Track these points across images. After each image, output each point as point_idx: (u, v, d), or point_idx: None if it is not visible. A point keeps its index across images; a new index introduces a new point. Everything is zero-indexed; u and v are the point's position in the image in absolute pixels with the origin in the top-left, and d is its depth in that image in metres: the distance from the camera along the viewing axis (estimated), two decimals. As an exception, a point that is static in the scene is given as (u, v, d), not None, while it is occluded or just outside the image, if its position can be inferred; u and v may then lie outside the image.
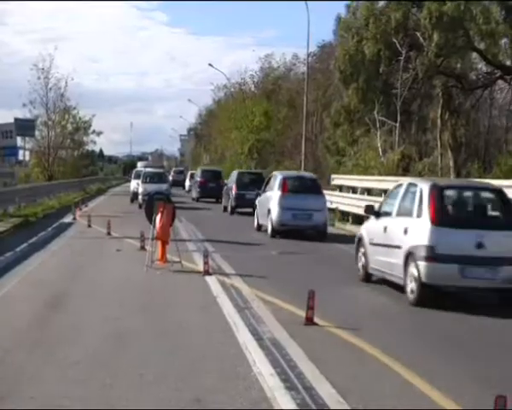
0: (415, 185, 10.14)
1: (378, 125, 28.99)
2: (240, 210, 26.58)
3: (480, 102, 30.51)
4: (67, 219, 22.40)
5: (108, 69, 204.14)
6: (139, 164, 52.40)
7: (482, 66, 29.62)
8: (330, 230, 20.98)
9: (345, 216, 23.85)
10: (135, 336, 7.16)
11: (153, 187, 25.76)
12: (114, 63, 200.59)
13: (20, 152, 32.49)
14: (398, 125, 28.11)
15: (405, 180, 11.35)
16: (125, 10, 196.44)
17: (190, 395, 5.30)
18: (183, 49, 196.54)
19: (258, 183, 23.97)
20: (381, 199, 20.68)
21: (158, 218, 11.92)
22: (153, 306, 8.82)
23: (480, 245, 9.00)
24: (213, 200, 34.20)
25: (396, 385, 5.75)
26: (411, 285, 9.26)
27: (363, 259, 11.15)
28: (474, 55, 28.73)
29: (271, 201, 18.45)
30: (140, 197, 28.76)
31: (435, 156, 28.97)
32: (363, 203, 21.67)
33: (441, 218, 9.25)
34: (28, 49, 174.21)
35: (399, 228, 9.86)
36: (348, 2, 31.68)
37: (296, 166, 37.89)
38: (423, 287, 9.05)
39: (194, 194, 36.98)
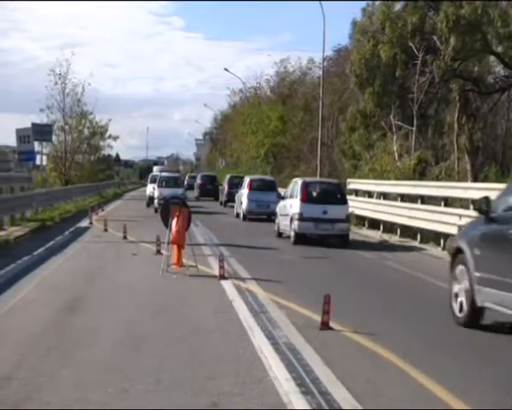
0: (296, 182, 18.90)
1: (394, 130, 28.88)
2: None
3: (498, 105, 30.30)
4: (84, 223, 22.54)
5: (125, 74, 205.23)
6: (155, 168, 52.59)
7: (500, 69, 29.41)
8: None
9: (360, 220, 23.79)
10: (151, 339, 7.18)
11: (168, 191, 25.90)
12: (131, 68, 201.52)
13: (38, 157, 32.61)
14: (414, 129, 27.98)
15: (296, 179, 19.58)
16: (142, 16, 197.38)
17: (207, 399, 5.31)
18: (199, 54, 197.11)
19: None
20: (397, 203, 20.73)
21: (174, 222, 11.96)
22: (169, 310, 8.85)
23: (325, 212, 17.41)
24: (211, 198, 41.25)
25: (412, 390, 5.72)
26: (292, 234, 17.56)
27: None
28: (492, 58, 28.55)
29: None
30: (156, 201, 28.94)
31: (452, 160, 28.78)
32: (380, 208, 21.75)
33: (306, 198, 17.68)
34: (45, 55, 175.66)
35: (289, 205, 18.26)
36: (364, 6, 31.66)
37: (312, 170, 37.83)
38: (296, 234, 17.39)
39: (196, 193, 44.00)
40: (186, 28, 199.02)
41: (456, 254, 8.07)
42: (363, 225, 23.50)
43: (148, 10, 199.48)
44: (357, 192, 25.72)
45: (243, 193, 26.89)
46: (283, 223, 18.72)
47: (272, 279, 11.31)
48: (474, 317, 7.88)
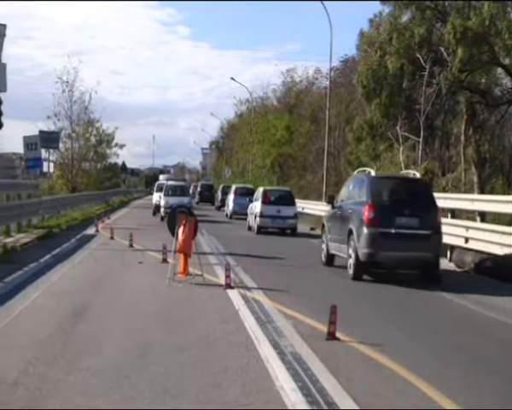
0: (259, 189, 26.27)
1: (401, 141, 28.87)
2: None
3: (505, 117, 30.25)
4: (90, 230, 22.60)
5: (131, 83, 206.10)
6: (161, 177, 52.74)
7: (507, 81, 29.37)
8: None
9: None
10: (157, 348, 7.18)
11: (175, 200, 25.96)
12: (137, 77, 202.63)
13: (45, 164, 32.76)
14: (421, 140, 27.97)
15: (260, 188, 27.30)
16: (149, 24, 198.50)
17: (213, 408, 5.30)
18: (206, 63, 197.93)
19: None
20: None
21: (180, 231, 11.98)
22: (174, 318, 8.85)
23: (278, 211, 23.97)
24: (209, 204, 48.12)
25: (419, 402, 5.69)
26: (255, 227, 24.10)
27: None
28: (499, 70, 28.52)
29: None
30: (162, 210, 29.02)
31: (459, 172, 28.73)
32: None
33: (265, 200, 24.26)
34: (53, 63, 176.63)
35: (254, 206, 25.14)
36: (371, 17, 31.72)
37: (318, 180, 37.85)
38: (258, 228, 23.93)
39: (196, 199, 48.91)
40: (193, 37, 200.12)
41: (322, 226, 15.80)
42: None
43: (156, 19, 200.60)
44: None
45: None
46: (251, 219, 25.66)
47: (278, 289, 11.30)
48: (329, 259, 15.04)
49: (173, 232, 12.22)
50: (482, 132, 29.04)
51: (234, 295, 10.53)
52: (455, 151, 30.75)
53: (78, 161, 44.23)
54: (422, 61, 27.54)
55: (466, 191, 25.31)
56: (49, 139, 32.32)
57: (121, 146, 51.31)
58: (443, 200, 18.55)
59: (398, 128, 28.85)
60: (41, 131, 31.81)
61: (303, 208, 33.03)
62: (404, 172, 18.51)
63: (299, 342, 7.53)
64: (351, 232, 13.07)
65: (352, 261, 12.92)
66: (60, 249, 16.73)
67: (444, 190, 23.85)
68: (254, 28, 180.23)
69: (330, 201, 15.42)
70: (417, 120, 28.11)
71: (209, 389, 5.78)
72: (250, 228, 25.43)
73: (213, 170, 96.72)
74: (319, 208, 29.24)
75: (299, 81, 53.29)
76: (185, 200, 27.78)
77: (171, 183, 34.45)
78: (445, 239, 16.60)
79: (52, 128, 39.52)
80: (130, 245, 17.14)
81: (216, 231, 23.21)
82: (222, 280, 11.54)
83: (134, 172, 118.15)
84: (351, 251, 12.99)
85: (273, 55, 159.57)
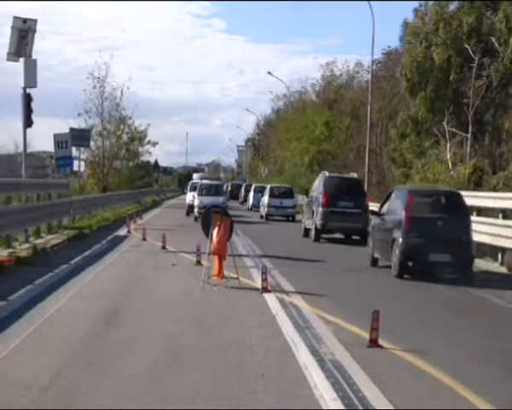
0: (267, 187, 37.10)
1: (448, 137, 28.56)
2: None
3: (561, 111, 29.66)
4: (122, 231, 22.84)
5: (164, 78, 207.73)
6: (195, 176, 53.06)
7: (563, 73, 28.81)
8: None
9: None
10: (190, 352, 7.26)
11: (209, 200, 26.11)
12: (170, 72, 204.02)
13: (75, 163, 33.26)
14: (469, 136, 27.62)
15: (267, 185, 38.24)
16: (182, 17, 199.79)
17: (248, 414, 5.36)
18: (241, 57, 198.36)
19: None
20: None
21: (215, 232, 12.04)
22: (209, 323, 8.91)
23: (281, 203, 33.66)
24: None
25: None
26: (264, 214, 33.89)
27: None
28: (554, 61, 27.98)
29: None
30: (196, 210, 29.19)
31: (510, 170, 28.26)
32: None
33: (272, 195, 34.11)
34: (83, 58, 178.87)
35: (263, 199, 35.45)
36: (416, 6, 31.45)
37: (359, 178, 37.56)
38: (266, 215, 33.42)
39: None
40: (228, 30, 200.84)
41: (303, 210, 21.71)
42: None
43: (189, 12, 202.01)
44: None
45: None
46: (261, 209, 35.14)
47: (317, 293, 11.30)
48: (306, 232, 23.11)
49: (207, 233, 12.29)
50: (536, 127, 28.52)
51: (271, 299, 10.55)
52: (506, 147, 30.22)
53: (110, 160, 44.71)
54: (471, 52, 27.19)
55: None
56: (79, 137, 32.77)
57: (154, 144, 51.69)
58: (492, 200, 18.30)
59: (444, 123, 28.53)
60: (71, 129, 32.23)
61: None
62: (347, 175, 26.50)
63: (339, 349, 7.52)
64: (313, 211, 22.27)
65: (312, 230, 22.30)
66: (91, 251, 16.94)
67: (494, 189, 23.49)
68: (291, 20, 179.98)
69: (306, 192, 28.79)
70: (465, 115, 27.77)
71: (244, 394, 5.83)
72: (261, 217, 34.31)
73: (249, 168, 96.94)
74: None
75: (340, 75, 53.11)
76: (220, 199, 27.91)
77: (205, 182, 34.65)
78: (495, 241, 16.38)
79: (83, 126, 40.05)
80: (163, 247, 17.26)
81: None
82: (258, 283, 11.56)
83: (167, 171, 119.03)
84: (311, 222, 22.54)
85: (311, 48, 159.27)
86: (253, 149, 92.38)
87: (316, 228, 21.91)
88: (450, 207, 14.32)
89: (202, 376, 6.38)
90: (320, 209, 21.65)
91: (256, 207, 39.15)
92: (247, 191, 48.26)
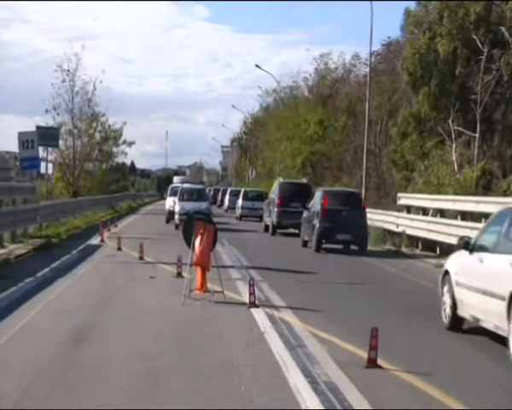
0: (240, 190, 46.61)
1: (453, 136, 28.70)
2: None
3: None
4: (94, 240, 22.82)
5: (141, 71, 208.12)
6: (175, 179, 52.96)
7: None
8: (396, 256, 20.96)
9: (414, 241, 23.65)
10: (171, 375, 7.24)
11: (191, 205, 26.15)
12: (148, 65, 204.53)
13: (42, 164, 33.11)
14: (477, 135, 27.78)
15: (241, 189, 49.24)
16: (161, 4, 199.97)
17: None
18: (227, 49, 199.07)
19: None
20: (457, 222, 20.53)
21: (197, 241, 12.03)
22: (191, 341, 8.90)
23: (253, 205, 40.70)
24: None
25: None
26: (238, 215, 42.39)
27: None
28: None
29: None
30: (177, 217, 29.21)
31: (522, 173, 28.46)
32: (436, 227, 21.58)
33: (244, 198, 42.17)
34: (52, 49, 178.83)
35: (237, 201, 44.85)
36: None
37: (356, 183, 37.72)
38: (240, 216, 41.72)
39: None
40: (212, 19, 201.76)
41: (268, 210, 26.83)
42: (417, 246, 23.35)
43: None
44: (409, 209, 25.55)
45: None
46: (237, 211, 42.52)
47: (310, 308, 11.32)
48: (266, 227, 31.01)
49: (189, 243, 12.28)
50: (549, 126, 28.74)
51: (259, 314, 10.56)
52: (517, 148, 30.45)
53: (81, 161, 44.62)
54: (479, 44, 27.36)
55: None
56: (47, 136, 32.59)
57: (130, 144, 51.72)
58: (504, 205, 18.35)
59: (450, 122, 28.68)
60: (38, 127, 32.13)
61: None
62: (298, 180, 35.68)
63: (334, 369, 7.54)
64: (270, 211, 29.62)
65: (270, 226, 29.49)
66: (59, 262, 16.90)
67: (504, 194, 23.63)
68: (281, 8, 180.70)
69: (266, 196, 35.30)
70: (473, 113, 27.93)
71: (231, 422, 5.82)
72: (237, 217, 41.54)
73: (235, 171, 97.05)
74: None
75: (335, 68, 53.19)
76: (203, 205, 27.95)
77: (186, 186, 34.64)
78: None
79: (51, 123, 39.87)
80: (141, 257, 17.26)
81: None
82: (245, 297, 11.57)
83: (144, 174, 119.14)
84: (269, 220, 29.63)
85: (304, 38, 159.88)
86: (239, 149, 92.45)
87: (272, 224, 29.19)
88: (351, 202, 22.53)
89: (183, 400, 6.37)
90: (276, 209, 28.70)
91: (232, 208, 47.61)
92: (224, 194, 58.22)
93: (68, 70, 41.73)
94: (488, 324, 9.15)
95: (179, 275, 13.99)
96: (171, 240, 22.13)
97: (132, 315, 10.55)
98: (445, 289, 10.50)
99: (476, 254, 9.74)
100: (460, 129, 28.70)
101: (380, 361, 7.67)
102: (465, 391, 7.00)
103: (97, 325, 9.79)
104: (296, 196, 28.48)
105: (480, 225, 18.86)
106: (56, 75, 41.73)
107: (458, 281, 10.09)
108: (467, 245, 10.15)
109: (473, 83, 28.46)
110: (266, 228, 30.57)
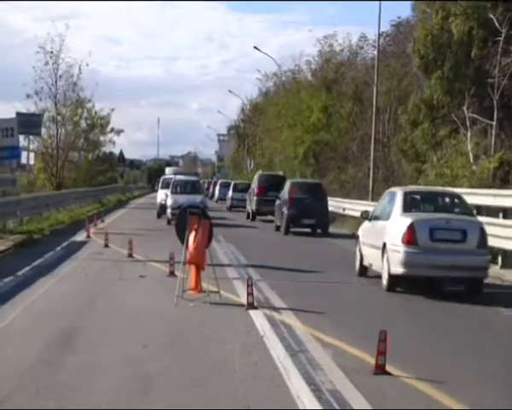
0: (231, 183, 53.03)
1: (468, 124, 28.69)
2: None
3: None
4: (80, 236, 22.85)
5: (130, 53, 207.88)
6: (168, 170, 53.09)
7: None
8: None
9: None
10: (163, 381, 7.24)
11: (185, 199, 26.12)
12: (138, 46, 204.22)
13: (23, 154, 33.14)
14: (494, 123, 27.76)
15: (231, 181, 56.41)
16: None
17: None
18: (223, 29, 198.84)
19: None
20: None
21: (191, 237, 12.03)
22: (185, 345, 8.91)
23: (242, 196, 44.30)
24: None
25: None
26: (228, 205, 48.66)
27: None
28: None
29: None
30: (169, 211, 29.27)
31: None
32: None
33: (234, 189, 48.80)
34: (34, 29, 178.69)
35: (228, 192, 51.03)
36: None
37: (363, 174, 37.75)
38: (230, 206, 47.93)
39: None
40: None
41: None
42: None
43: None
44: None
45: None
46: (227, 201, 48.65)
47: (313, 309, 11.33)
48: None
49: (182, 239, 12.29)
50: None
51: (258, 316, 10.57)
52: (538, 137, 30.47)
53: (65, 151, 44.52)
54: (497, 24, 27.33)
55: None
56: (28, 123, 32.64)
57: (118, 132, 51.80)
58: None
59: (464, 108, 28.66)
60: (19, 114, 32.16)
61: (344, 209, 32.96)
62: (276, 173, 42.90)
63: (339, 376, 7.54)
64: (250, 200, 36.64)
65: (250, 213, 36.38)
66: (42, 260, 16.92)
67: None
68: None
69: (248, 187, 41.21)
70: (490, 98, 27.89)
71: (227, 433, 5.82)
72: (227, 208, 47.51)
73: (232, 162, 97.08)
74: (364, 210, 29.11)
75: (340, 51, 53.18)
76: (197, 198, 27.95)
77: (179, 178, 34.66)
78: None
79: (32, 110, 39.87)
80: (130, 255, 17.28)
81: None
82: (243, 298, 11.60)
83: (134, 165, 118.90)
84: (250, 208, 36.39)
85: (306, 19, 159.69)
86: (236, 138, 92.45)
87: (252, 211, 35.88)
88: (315, 192, 28.72)
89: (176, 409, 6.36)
90: (255, 198, 35.02)
91: (222, 199, 54.95)
92: (215, 186, 66.96)
93: (51, 52, 41.56)
94: (375, 267, 14.62)
95: (172, 274, 14.01)
96: (162, 236, 22.15)
97: (121, 318, 10.56)
98: (357, 248, 15.94)
99: (372, 222, 15.47)
100: (475, 116, 28.67)
101: (388, 367, 7.65)
102: (473, 394, 7.00)
103: (83, 328, 9.79)
104: (273, 186, 33.68)
105: (498, 221, 18.95)
106: (38, 57, 41.56)
107: (362, 241, 15.63)
108: (367, 216, 16.04)
109: (490, 66, 28.41)
110: (248, 215, 37.08)
